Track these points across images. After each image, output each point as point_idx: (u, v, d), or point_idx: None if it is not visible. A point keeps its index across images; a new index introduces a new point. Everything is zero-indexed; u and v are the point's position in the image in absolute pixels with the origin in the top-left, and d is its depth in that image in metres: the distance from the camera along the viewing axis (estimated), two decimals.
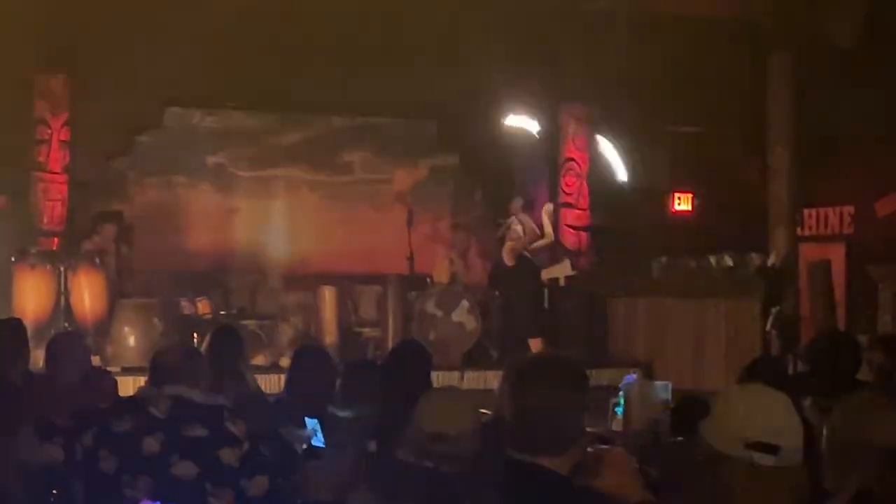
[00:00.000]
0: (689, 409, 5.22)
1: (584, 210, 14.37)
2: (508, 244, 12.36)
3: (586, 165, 14.44)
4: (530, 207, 13.17)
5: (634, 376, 8.36)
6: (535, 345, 11.85)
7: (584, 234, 14.32)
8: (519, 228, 12.55)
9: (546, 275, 12.89)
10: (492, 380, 9.72)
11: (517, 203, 12.88)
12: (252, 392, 6.42)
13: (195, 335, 10.92)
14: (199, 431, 4.55)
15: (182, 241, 14.16)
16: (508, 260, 12.30)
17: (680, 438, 5.30)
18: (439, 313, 11.94)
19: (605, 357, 12.33)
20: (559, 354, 3.68)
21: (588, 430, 3.22)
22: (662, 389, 7.14)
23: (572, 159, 14.42)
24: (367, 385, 5.44)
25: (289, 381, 6.02)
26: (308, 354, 6.28)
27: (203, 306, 11.99)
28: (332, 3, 12.45)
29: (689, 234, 14.70)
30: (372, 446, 4.65)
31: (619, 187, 14.92)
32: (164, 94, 13.46)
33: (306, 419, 5.37)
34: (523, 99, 13.99)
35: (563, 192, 14.44)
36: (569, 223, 14.29)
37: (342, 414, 5.37)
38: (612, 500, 3.10)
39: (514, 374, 3.25)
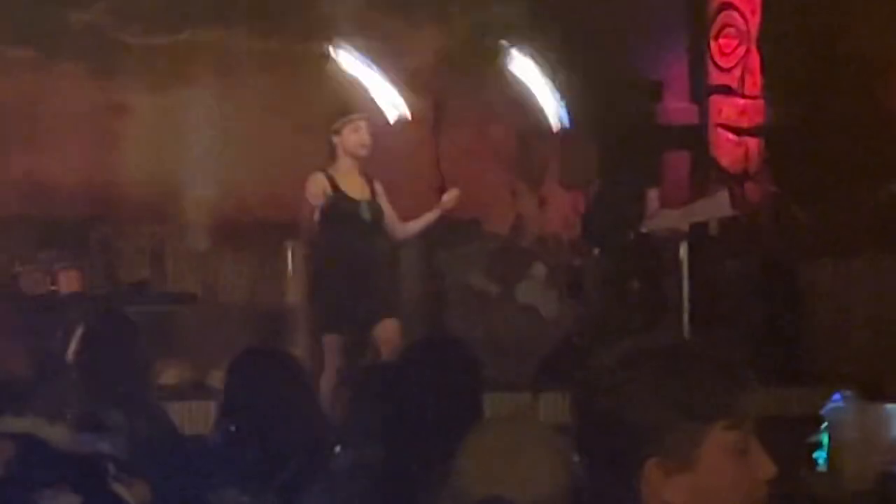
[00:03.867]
0: None
1: (753, 98, 12.35)
2: None
3: (757, 18, 12.45)
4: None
5: (847, 397, 7.72)
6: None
7: (752, 143, 12.32)
8: None
9: (685, 217, 10.55)
10: None
11: None
12: (159, 430, 5.66)
13: (56, 330, 9.71)
14: (64, 501, 4.22)
15: (29, 164, 12.33)
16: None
17: None
18: (494, 289, 11.10)
19: (794, 366, 10.86)
20: (706, 345, 2.54)
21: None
22: None
23: (731, 6, 12.56)
24: (377, 405, 4.66)
25: (225, 412, 5.18)
26: (258, 365, 5.19)
27: (69, 280, 11.19)
28: None
29: None
30: None
31: (815, 57, 12.64)
32: None
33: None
34: None
35: (716, 65, 12.54)
36: (725, 121, 12.31)
37: (342, 457, 4.68)
38: None
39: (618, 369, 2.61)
